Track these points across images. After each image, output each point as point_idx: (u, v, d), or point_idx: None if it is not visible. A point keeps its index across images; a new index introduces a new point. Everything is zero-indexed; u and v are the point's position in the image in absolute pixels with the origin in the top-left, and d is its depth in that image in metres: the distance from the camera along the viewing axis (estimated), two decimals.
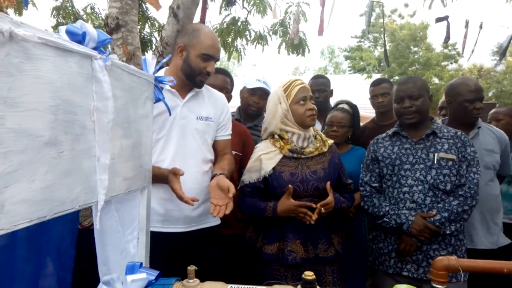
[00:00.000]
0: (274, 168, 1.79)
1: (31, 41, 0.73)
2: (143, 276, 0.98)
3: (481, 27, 4.46)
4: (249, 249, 1.90)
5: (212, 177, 1.66)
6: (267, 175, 1.79)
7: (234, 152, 2.19)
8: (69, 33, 0.93)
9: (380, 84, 2.83)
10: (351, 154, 2.39)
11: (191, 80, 1.75)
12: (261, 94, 2.56)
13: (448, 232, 1.78)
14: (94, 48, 1.00)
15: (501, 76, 17.37)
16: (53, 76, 0.82)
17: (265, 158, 1.82)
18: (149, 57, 1.38)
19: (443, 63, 18.28)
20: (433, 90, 14.60)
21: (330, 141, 1.92)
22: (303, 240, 1.75)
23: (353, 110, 2.51)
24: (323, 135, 1.93)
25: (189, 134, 1.75)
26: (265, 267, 1.81)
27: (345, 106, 2.52)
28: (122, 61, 2.92)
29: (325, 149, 1.85)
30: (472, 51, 4.88)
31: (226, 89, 2.39)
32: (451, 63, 19.29)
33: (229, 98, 2.41)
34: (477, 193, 1.82)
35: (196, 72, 1.71)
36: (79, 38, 0.95)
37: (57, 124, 0.84)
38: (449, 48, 18.09)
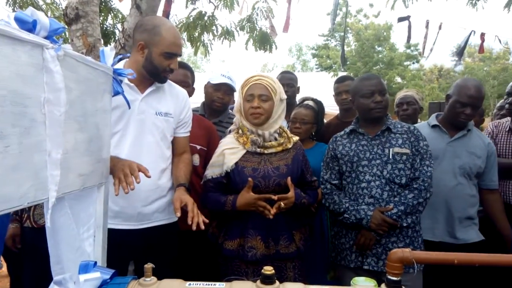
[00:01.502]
0: (236, 163, 1.79)
1: None
2: (97, 275, 0.95)
3: (440, 27, 4.64)
4: (212, 245, 1.88)
5: (177, 186, 1.70)
6: (229, 170, 1.79)
7: (199, 147, 2.16)
8: (18, 20, 0.88)
9: (344, 81, 2.88)
10: (315, 150, 2.41)
11: (155, 77, 1.72)
12: (225, 89, 2.54)
13: (405, 224, 1.84)
14: (46, 37, 0.95)
15: (460, 76, 18.20)
16: None
17: (228, 153, 1.81)
18: (108, 49, 1.34)
19: (405, 63, 18.91)
20: (395, 89, 15.09)
21: (295, 138, 1.93)
22: (264, 236, 1.76)
23: (318, 106, 2.53)
24: (288, 132, 1.94)
25: (147, 129, 1.71)
26: (227, 263, 1.81)
27: (310, 103, 2.54)
28: (82, 53, 2.83)
29: (289, 146, 1.86)
30: (431, 50, 5.06)
31: (186, 83, 2.35)
32: (413, 63, 19.99)
33: (190, 92, 2.36)
34: (430, 186, 1.89)
35: (160, 70, 1.69)
36: (29, 26, 0.90)
37: (4, 116, 0.79)
38: (411, 48, 18.72)
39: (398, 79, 18.20)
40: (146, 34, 1.66)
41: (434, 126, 2.27)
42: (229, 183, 1.82)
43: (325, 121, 3.48)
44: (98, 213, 1.29)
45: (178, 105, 1.84)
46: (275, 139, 1.85)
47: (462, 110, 2.15)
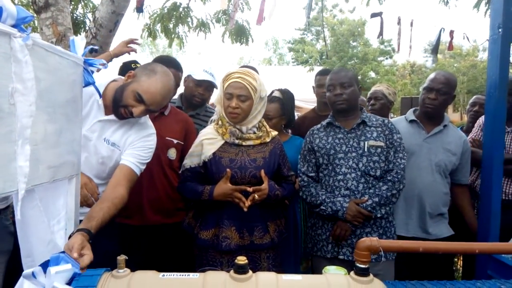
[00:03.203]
0: (214, 154, 1.80)
1: None
2: (68, 267, 0.94)
3: (411, 24, 4.75)
4: (186, 237, 1.89)
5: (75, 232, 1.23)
6: (207, 160, 1.80)
7: (176, 141, 2.15)
8: None
9: (327, 74, 2.88)
10: (289, 143, 2.43)
11: (114, 105, 1.57)
12: (207, 86, 2.52)
13: (379, 215, 1.90)
14: (14, 26, 0.92)
15: (431, 72, 18.67)
16: None
17: (207, 143, 1.82)
18: (78, 39, 1.31)
19: (379, 58, 19.27)
20: (369, 84, 15.38)
21: (274, 133, 1.95)
22: (238, 227, 1.78)
23: (284, 96, 2.49)
24: (267, 126, 1.96)
25: (91, 149, 1.62)
26: (202, 253, 1.83)
27: (276, 93, 2.51)
28: (52, 42, 2.74)
29: (267, 140, 1.89)
30: (410, 47, 5.17)
31: (177, 85, 2.27)
32: (387, 58, 20.40)
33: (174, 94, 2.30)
34: (403, 177, 1.95)
35: (120, 103, 1.55)
36: None
37: None
38: (385, 44, 19.09)
39: (372, 74, 18.55)
40: (141, 70, 1.59)
41: (411, 121, 2.30)
42: (206, 173, 1.83)
43: (298, 114, 3.50)
44: (69, 206, 1.27)
45: (135, 143, 1.66)
46: (254, 132, 1.87)
47: (426, 96, 2.20)
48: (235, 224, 1.78)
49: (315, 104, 3.06)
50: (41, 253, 1.15)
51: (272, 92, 2.57)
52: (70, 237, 1.15)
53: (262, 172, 1.78)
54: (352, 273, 1.04)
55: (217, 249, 1.76)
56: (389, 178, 1.93)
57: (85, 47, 1.37)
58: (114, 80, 1.66)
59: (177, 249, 2.14)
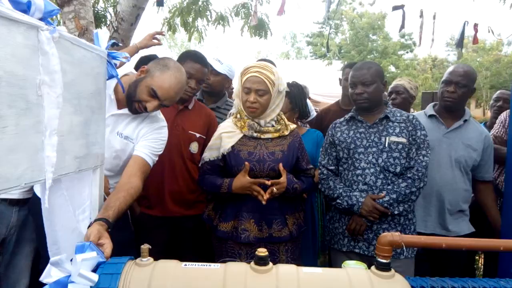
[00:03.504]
0: (233, 147, 1.82)
1: None
2: (94, 254, 0.96)
3: (434, 17, 4.63)
4: (206, 229, 1.92)
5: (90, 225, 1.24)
6: (225, 153, 1.82)
7: (198, 135, 2.16)
8: (12, 1, 0.87)
9: None
10: (306, 136, 2.42)
11: (128, 100, 1.60)
12: (210, 70, 2.47)
13: (396, 212, 1.87)
14: (41, 19, 0.94)
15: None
16: None
17: (225, 136, 1.84)
18: (102, 32, 1.33)
19: (399, 52, 18.92)
20: (389, 78, 15.11)
21: (293, 126, 1.95)
22: (257, 219, 1.79)
23: (292, 90, 2.42)
24: (286, 120, 1.96)
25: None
26: (221, 245, 1.85)
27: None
28: (74, 35, 2.78)
29: (286, 133, 1.89)
30: (432, 41, 5.04)
31: (202, 81, 2.22)
32: (407, 52, 20.01)
33: (199, 89, 2.29)
34: (425, 175, 1.91)
35: (135, 98, 1.57)
36: (24, 7, 0.89)
37: (0, 97, 0.80)
38: (406, 37, 18.72)
39: (392, 69, 18.24)
40: (154, 65, 1.61)
41: (430, 116, 2.26)
42: (225, 166, 1.86)
43: (317, 109, 3.47)
44: (93, 196, 1.30)
45: (148, 136, 1.68)
46: (272, 125, 1.87)
47: (445, 89, 2.16)
48: (254, 217, 1.79)
49: (334, 98, 3.03)
50: (66, 241, 1.18)
51: None
52: (88, 227, 1.18)
53: (281, 165, 1.79)
54: (373, 267, 1.03)
55: (236, 241, 1.78)
56: (409, 175, 1.89)
57: (108, 41, 1.39)
58: (125, 74, 1.68)
59: (197, 240, 2.17)
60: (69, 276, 0.95)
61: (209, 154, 1.88)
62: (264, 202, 1.72)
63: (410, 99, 2.91)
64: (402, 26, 4.68)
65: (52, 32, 0.93)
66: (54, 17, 1.06)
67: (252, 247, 1.78)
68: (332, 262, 2.14)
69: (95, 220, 1.19)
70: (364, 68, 1.99)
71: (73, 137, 1.12)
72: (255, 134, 1.83)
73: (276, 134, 1.86)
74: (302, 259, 2.10)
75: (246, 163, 1.75)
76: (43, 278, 0.97)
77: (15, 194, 1.75)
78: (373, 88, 1.95)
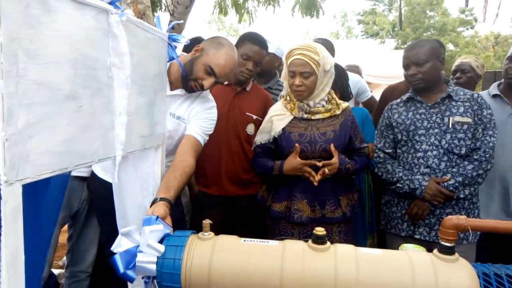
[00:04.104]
0: (283, 129, 1.82)
1: None
2: (160, 227, 1.02)
3: None
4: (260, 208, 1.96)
5: (152, 202, 1.27)
6: (276, 136, 1.83)
7: (255, 117, 2.18)
8: None
9: None
10: None
11: (184, 80, 1.62)
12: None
13: (462, 196, 1.79)
14: (110, 3, 0.99)
15: None
16: (71, 29, 0.82)
17: (276, 119, 1.85)
18: (163, 15, 1.37)
19: (458, 29, 17.72)
20: (447, 57, 14.25)
21: (345, 104, 1.91)
22: (310, 200, 1.80)
23: (336, 71, 2.41)
24: (337, 99, 1.92)
25: None
26: (274, 224, 1.88)
27: None
28: None
29: (337, 112, 1.85)
30: (497, 15, 4.68)
31: (260, 63, 2.19)
32: (467, 29, 18.69)
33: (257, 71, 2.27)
34: (492, 157, 1.81)
35: (191, 76, 1.60)
36: None
37: (77, 78, 0.85)
38: (466, 13, 17.48)
39: (451, 46, 17.15)
40: (208, 43, 1.64)
41: (494, 96, 2.14)
42: (276, 149, 1.87)
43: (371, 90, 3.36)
44: (156, 174, 1.37)
45: (199, 115, 1.70)
46: (323, 106, 1.85)
47: (510, 65, 2.06)
48: (306, 197, 1.80)
49: (386, 79, 2.93)
50: (134, 215, 1.26)
51: None
52: (152, 203, 1.23)
53: (332, 146, 1.76)
54: (435, 251, 1.01)
55: (289, 221, 1.80)
56: (475, 157, 1.79)
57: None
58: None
59: (251, 219, 2.22)
60: (138, 246, 1.02)
61: (261, 138, 1.90)
62: (315, 184, 1.71)
63: (476, 78, 2.75)
64: (467, 1, 4.37)
65: (121, 16, 0.97)
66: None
67: (304, 226, 1.79)
68: (388, 246, 2.10)
69: (160, 199, 1.24)
70: (416, 47, 1.90)
71: (139, 117, 1.18)
72: (305, 116, 1.82)
73: (327, 114, 1.83)
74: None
75: (297, 144, 1.74)
76: (114, 248, 1.04)
77: (84, 172, 1.89)
78: (427, 67, 1.85)
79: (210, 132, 1.74)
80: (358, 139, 1.91)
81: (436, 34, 16.79)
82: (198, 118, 1.69)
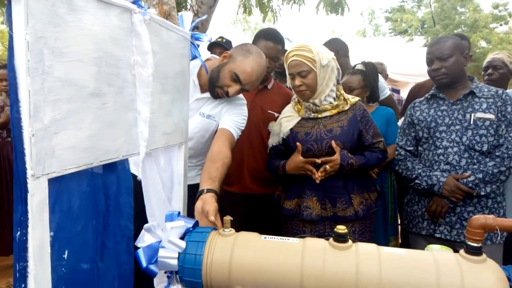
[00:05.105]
0: (291, 130, 1.85)
1: None
2: (182, 223, 1.03)
3: None
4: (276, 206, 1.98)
5: (199, 194, 1.28)
6: (285, 137, 1.87)
7: (277, 115, 2.19)
8: None
9: None
10: (375, 114, 2.34)
11: (210, 85, 1.66)
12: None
13: (483, 193, 1.74)
14: (133, 2, 1.01)
15: None
16: (95, 28, 0.84)
17: (284, 121, 1.88)
18: (186, 14, 1.39)
19: (491, 25, 17.08)
20: (479, 54, 13.78)
21: (354, 99, 1.88)
22: (320, 197, 1.79)
23: (367, 69, 2.44)
24: (345, 94, 1.90)
25: (190, 124, 1.60)
26: (287, 222, 1.91)
27: (359, 66, 2.49)
28: None
29: (346, 107, 1.83)
30: None
31: (276, 58, 2.19)
32: (501, 25, 18.00)
33: (275, 67, 2.26)
34: None
35: (217, 83, 1.63)
36: None
37: (101, 76, 0.87)
38: (499, 8, 16.83)
39: (483, 43, 16.56)
40: (237, 50, 1.65)
41: None
42: (286, 150, 1.90)
43: (391, 88, 3.30)
44: (179, 171, 1.38)
45: (230, 112, 1.73)
46: (330, 103, 1.83)
47: None
48: (316, 195, 1.80)
49: (414, 77, 2.88)
50: (161, 212, 1.28)
51: (355, 65, 2.54)
52: (200, 194, 1.24)
53: (333, 142, 1.76)
54: (461, 251, 0.97)
55: (299, 218, 1.82)
56: (497, 153, 1.74)
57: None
58: (208, 59, 1.74)
59: (272, 218, 2.22)
60: (160, 241, 1.04)
61: (272, 140, 1.94)
62: (318, 181, 1.73)
63: (509, 74, 2.64)
64: None
65: (144, 15, 0.99)
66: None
67: (316, 225, 1.80)
68: (411, 246, 2.06)
69: (207, 190, 1.26)
70: (440, 42, 1.87)
71: (162, 114, 1.19)
72: (312, 115, 1.83)
73: (335, 111, 1.82)
74: (374, 241, 2.05)
75: (298, 143, 1.77)
76: (137, 243, 1.06)
77: None
78: (451, 62, 1.81)
79: (243, 128, 1.76)
80: (369, 133, 1.85)
81: (467, 30, 16.25)
82: (230, 113, 1.73)
